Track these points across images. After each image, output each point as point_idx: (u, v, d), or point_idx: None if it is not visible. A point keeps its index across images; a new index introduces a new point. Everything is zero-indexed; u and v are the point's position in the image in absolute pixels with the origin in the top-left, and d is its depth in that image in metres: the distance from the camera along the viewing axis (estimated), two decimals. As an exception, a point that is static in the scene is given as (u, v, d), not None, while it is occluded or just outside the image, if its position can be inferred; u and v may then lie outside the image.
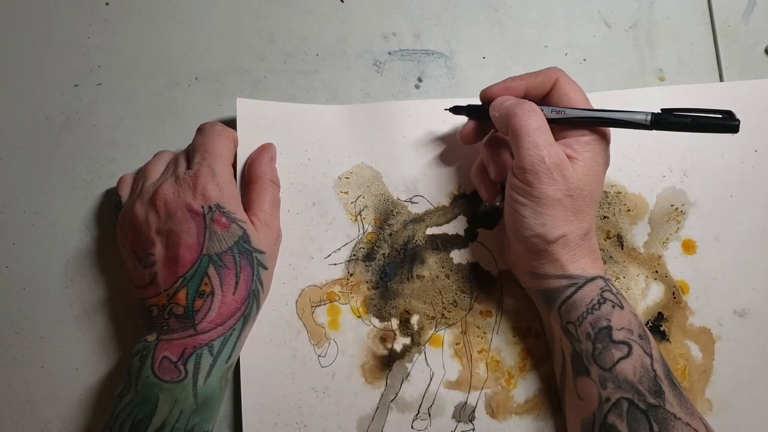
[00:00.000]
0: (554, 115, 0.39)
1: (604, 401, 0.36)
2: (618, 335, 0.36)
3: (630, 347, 0.36)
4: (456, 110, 0.43)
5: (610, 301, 0.37)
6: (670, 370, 0.36)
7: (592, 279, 0.38)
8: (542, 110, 0.38)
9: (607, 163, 0.40)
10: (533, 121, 0.37)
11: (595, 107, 0.39)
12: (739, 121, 0.34)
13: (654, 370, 0.35)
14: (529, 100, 0.39)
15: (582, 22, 0.50)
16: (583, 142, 0.38)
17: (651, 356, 0.36)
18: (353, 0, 0.49)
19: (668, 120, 0.35)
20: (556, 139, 0.38)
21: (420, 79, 0.48)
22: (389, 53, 0.49)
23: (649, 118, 0.36)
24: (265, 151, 0.43)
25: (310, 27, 0.49)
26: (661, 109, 0.36)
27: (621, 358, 0.36)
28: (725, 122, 0.34)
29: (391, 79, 0.48)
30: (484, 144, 0.42)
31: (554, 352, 0.42)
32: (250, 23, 0.49)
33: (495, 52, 0.49)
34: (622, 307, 0.37)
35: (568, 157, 0.38)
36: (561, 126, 0.39)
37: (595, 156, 0.38)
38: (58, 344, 0.43)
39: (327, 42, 0.49)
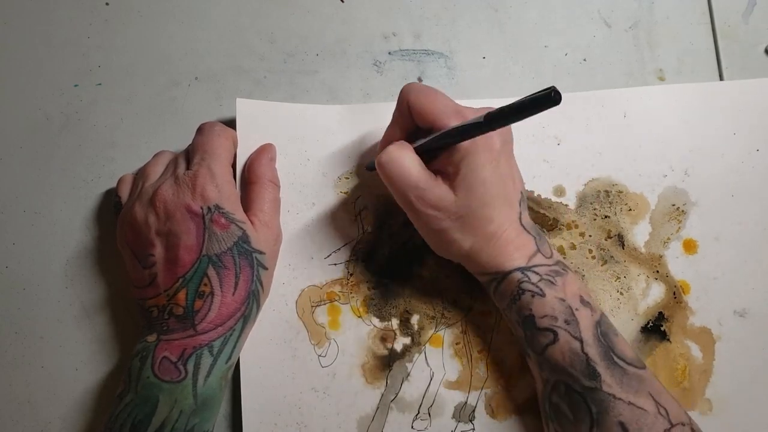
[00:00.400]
0: (415, 145, 0.39)
1: (545, 382, 0.38)
2: (541, 323, 0.37)
3: (555, 333, 0.36)
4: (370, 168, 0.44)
5: (529, 291, 0.37)
6: (611, 348, 0.36)
7: (509, 273, 0.38)
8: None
9: (497, 160, 0.38)
10: (396, 181, 0.38)
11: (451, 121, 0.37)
12: (559, 94, 0.28)
13: (585, 354, 0.36)
14: (410, 131, 0.40)
15: (582, 22, 0.50)
16: (455, 161, 0.37)
17: (581, 340, 0.36)
18: (353, 0, 0.49)
19: (499, 114, 0.32)
20: (437, 159, 0.38)
21: (420, 79, 0.48)
22: (389, 53, 0.49)
23: (482, 118, 0.33)
24: (264, 151, 0.43)
25: (310, 27, 0.49)
26: (498, 108, 0.33)
27: (548, 344, 0.37)
28: (541, 95, 0.29)
29: (391, 79, 0.48)
30: None
31: None
32: (250, 23, 0.49)
33: (495, 52, 0.49)
34: (543, 295, 0.37)
35: (448, 177, 0.38)
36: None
37: (473, 166, 0.37)
38: (58, 344, 0.43)
39: (327, 42, 0.49)
